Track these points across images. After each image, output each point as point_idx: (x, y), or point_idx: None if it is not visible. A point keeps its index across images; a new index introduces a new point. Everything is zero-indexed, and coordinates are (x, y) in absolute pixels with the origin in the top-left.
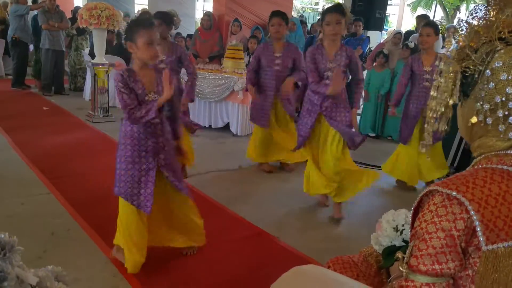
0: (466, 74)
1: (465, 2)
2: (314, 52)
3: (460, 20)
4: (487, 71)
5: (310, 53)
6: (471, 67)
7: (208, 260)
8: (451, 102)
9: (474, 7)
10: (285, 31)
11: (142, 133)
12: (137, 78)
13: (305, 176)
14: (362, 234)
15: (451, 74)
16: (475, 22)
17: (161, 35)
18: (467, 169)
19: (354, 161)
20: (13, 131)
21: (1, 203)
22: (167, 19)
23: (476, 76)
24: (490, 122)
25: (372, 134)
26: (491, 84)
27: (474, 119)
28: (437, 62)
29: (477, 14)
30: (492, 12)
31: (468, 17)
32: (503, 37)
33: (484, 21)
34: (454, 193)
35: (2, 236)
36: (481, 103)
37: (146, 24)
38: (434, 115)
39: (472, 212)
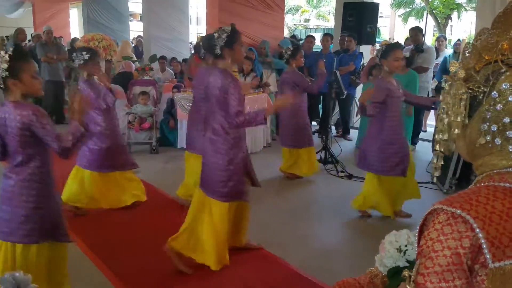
0: (469, 95)
1: (456, 10)
2: None
3: (467, 43)
4: (494, 92)
5: None
6: (475, 89)
7: (212, 285)
8: (466, 121)
9: (480, 29)
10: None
11: None
12: None
13: None
14: (368, 249)
15: (463, 96)
16: (478, 45)
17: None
18: (470, 187)
19: (355, 176)
20: None
21: None
22: None
23: (481, 97)
24: (500, 143)
25: None
26: (499, 106)
27: (482, 140)
28: (442, 83)
29: (481, 37)
30: (495, 36)
31: (473, 39)
32: (504, 59)
33: (487, 43)
34: (458, 211)
35: (17, 274)
36: (488, 124)
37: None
38: (446, 137)
39: (478, 230)
